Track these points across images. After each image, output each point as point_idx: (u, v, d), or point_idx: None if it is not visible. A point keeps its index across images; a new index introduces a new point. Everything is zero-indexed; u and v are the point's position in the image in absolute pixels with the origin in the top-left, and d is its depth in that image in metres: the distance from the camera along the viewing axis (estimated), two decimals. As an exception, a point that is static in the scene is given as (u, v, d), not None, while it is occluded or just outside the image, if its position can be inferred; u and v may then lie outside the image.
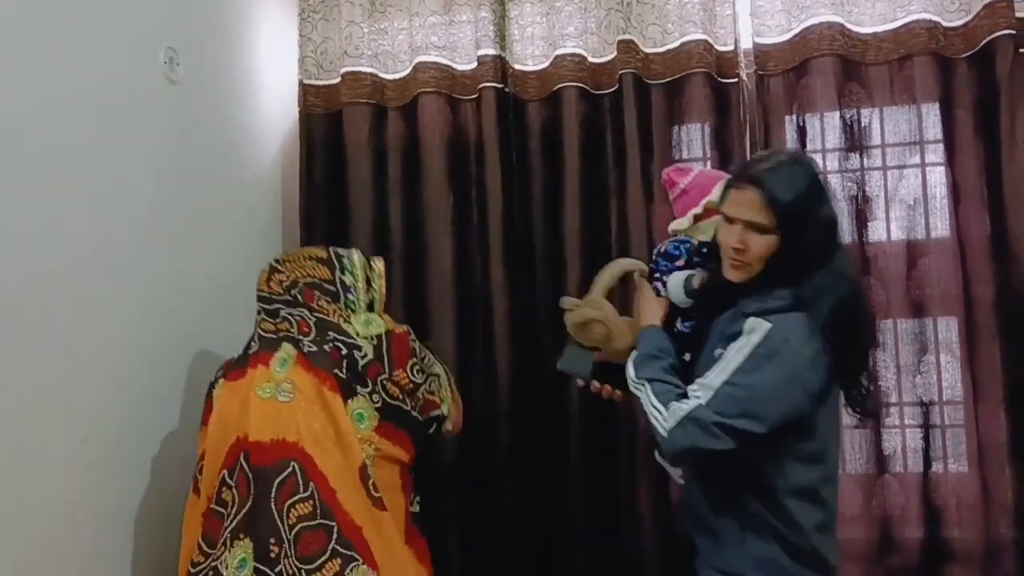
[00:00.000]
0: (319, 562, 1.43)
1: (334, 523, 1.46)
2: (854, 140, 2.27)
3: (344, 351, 1.65)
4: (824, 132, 2.32)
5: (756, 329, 1.43)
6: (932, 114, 2.23)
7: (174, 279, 1.82)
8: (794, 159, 1.53)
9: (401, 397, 1.66)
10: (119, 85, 1.68)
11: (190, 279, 1.88)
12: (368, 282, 1.81)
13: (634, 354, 1.58)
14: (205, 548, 1.53)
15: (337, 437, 1.55)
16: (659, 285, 1.71)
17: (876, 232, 2.25)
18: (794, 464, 1.46)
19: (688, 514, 1.64)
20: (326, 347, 1.64)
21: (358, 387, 1.61)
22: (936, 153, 2.24)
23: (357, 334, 1.68)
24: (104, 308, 1.58)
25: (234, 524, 1.48)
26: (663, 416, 1.45)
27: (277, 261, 1.80)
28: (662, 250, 1.75)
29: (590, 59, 2.41)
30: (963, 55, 2.19)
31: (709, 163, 2.37)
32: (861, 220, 2.25)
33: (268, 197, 2.38)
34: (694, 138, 2.42)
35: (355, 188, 2.48)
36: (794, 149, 1.55)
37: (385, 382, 1.64)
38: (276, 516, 1.46)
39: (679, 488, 2.18)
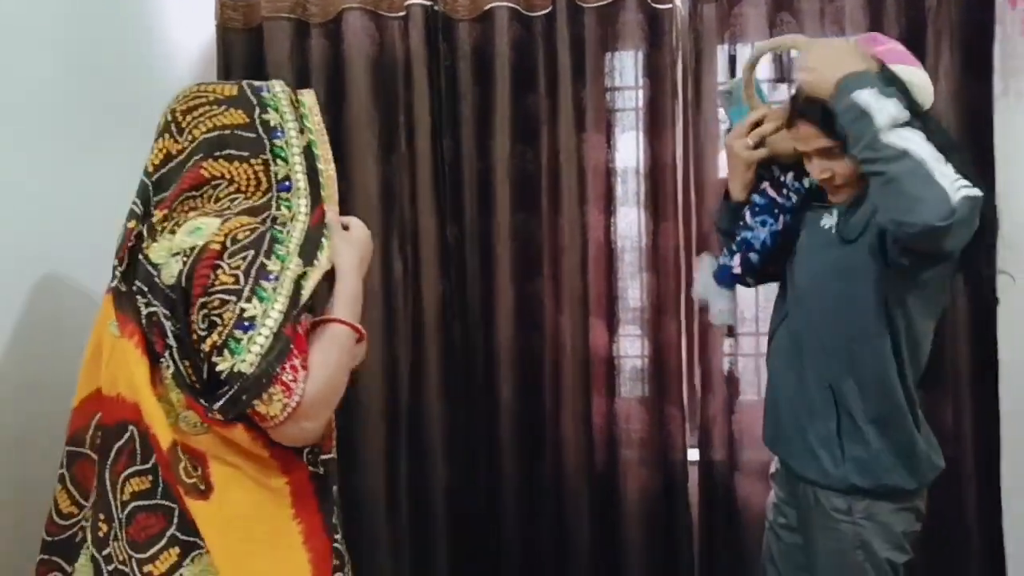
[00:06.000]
0: (153, 551, 1.14)
1: (175, 505, 1.15)
2: (783, 71, 2.27)
3: (145, 289, 1.16)
4: (755, 62, 2.32)
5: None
6: (860, 46, 2.23)
7: (75, 202, 1.72)
8: None
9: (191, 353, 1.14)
10: (10, -9, 1.55)
11: (92, 202, 1.78)
12: (300, 121, 1.29)
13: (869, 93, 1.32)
14: (78, 498, 1.27)
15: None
16: (726, 258, 1.71)
17: (801, 164, 2.27)
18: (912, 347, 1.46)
19: (776, 433, 1.62)
20: (133, 287, 1.18)
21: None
22: (862, 86, 2.26)
23: (171, 251, 1.15)
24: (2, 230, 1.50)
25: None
26: (949, 179, 1.26)
27: (172, 113, 1.27)
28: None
29: (523, -22, 2.34)
30: (892, -14, 2.19)
31: (641, 91, 2.36)
32: (787, 152, 2.28)
33: (183, 116, 2.27)
34: (627, 65, 2.40)
35: (277, 109, 2.37)
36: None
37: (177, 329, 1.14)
38: (109, 489, 1.19)
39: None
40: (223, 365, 1.10)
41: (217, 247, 1.13)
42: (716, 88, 2.29)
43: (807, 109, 1.47)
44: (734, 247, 1.67)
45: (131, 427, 1.18)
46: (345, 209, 2.42)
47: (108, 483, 1.19)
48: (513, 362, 2.36)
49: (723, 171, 2.30)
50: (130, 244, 1.21)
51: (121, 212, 1.86)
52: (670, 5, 2.30)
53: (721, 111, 2.30)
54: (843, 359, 1.48)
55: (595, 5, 2.31)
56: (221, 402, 1.10)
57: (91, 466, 1.25)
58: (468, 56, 2.36)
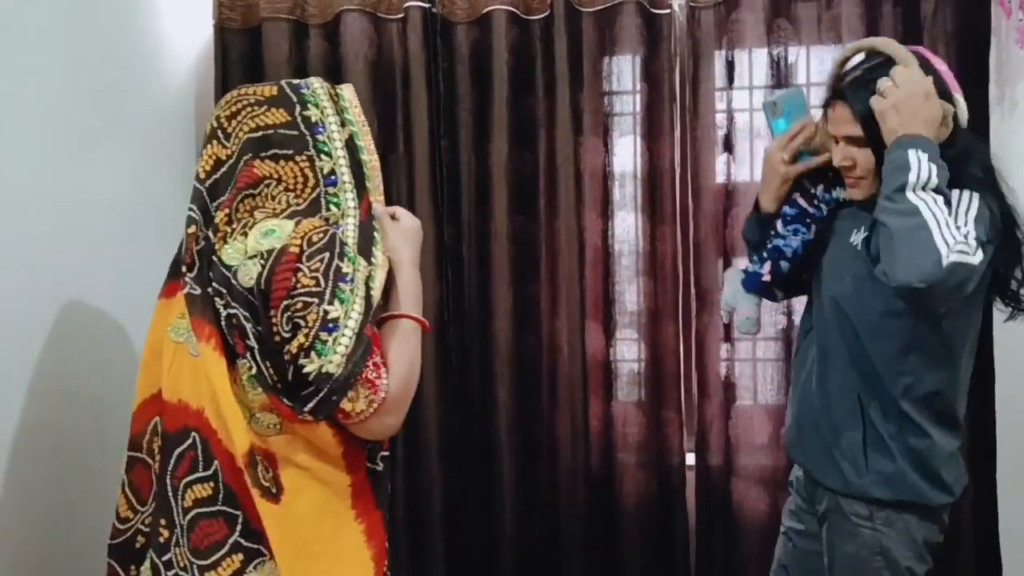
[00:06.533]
0: (214, 558, 1.16)
1: (239, 512, 1.17)
2: (780, 77, 2.29)
3: (223, 291, 1.17)
4: (752, 68, 2.33)
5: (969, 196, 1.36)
6: (857, 54, 2.24)
7: (74, 203, 1.71)
8: (884, 62, 1.44)
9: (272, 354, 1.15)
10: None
11: (91, 203, 1.77)
12: (341, 115, 1.31)
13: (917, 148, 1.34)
14: (134, 503, 1.29)
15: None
16: (756, 265, 1.65)
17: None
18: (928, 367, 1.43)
19: (799, 439, 1.60)
20: (209, 289, 1.20)
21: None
22: (858, 93, 2.27)
23: (245, 253, 1.17)
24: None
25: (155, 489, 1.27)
26: (951, 243, 1.28)
27: (217, 120, 1.27)
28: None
29: (521, -18, 2.34)
30: (889, -6, 2.21)
31: (639, 95, 2.36)
32: (783, 158, 2.29)
33: (180, 116, 2.25)
34: (624, 70, 2.41)
35: (274, 110, 2.37)
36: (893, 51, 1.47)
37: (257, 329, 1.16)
38: (171, 494, 1.20)
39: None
40: (311, 367, 1.12)
41: (296, 250, 1.15)
42: (714, 92, 2.31)
43: (849, 92, 1.45)
44: (765, 255, 1.64)
45: (193, 433, 1.20)
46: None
47: (169, 488, 1.21)
48: (510, 365, 2.36)
49: (720, 176, 2.32)
50: (197, 247, 1.23)
51: (120, 211, 1.87)
52: (668, 10, 2.31)
53: (720, 116, 2.31)
54: (871, 373, 1.46)
55: (593, 9, 2.32)
56: (312, 403, 1.13)
57: (146, 471, 1.27)
58: (466, 59, 2.36)
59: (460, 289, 2.39)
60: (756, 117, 2.33)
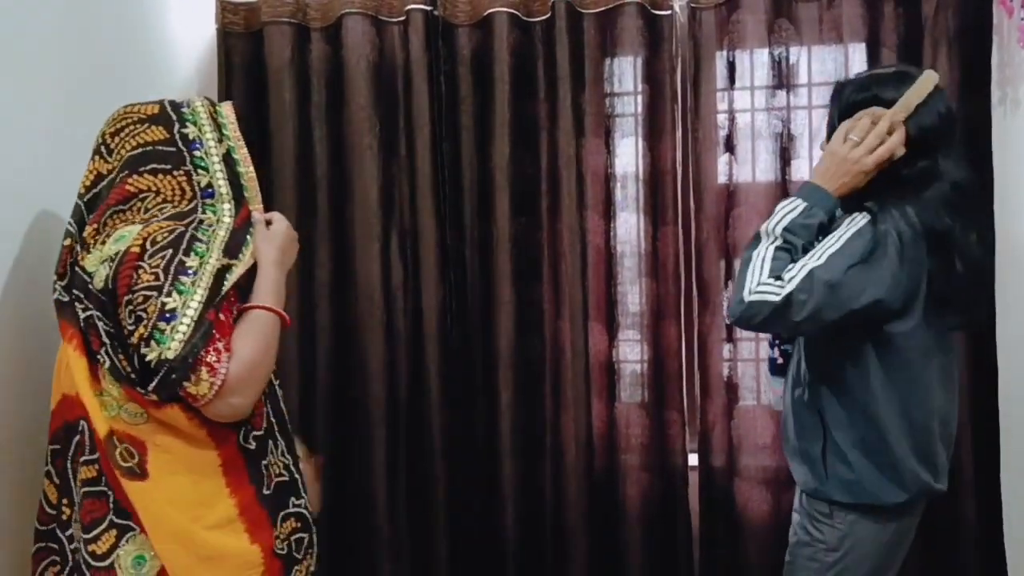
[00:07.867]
0: (95, 532, 1.28)
1: (111, 492, 1.28)
2: (782, 78, 2.29)
3: (82, 295, 1.28)
4: (753, 69, 2.33)
5: (855, 219, 1.43)
6: (858, 54, 2.25)
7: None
8: (886, 79, 1.53)
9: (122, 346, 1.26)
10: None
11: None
12: (219, 131, 1.41)
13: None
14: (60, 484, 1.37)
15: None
16: (771, 351, 1.72)
17: (800, 171, 2.29)
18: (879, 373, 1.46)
19: (786, 445, 1.67)
20: (73, 294, 1.30)
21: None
22: (860, 93, 2.27)
23: (101, 259, 1.27)
24: None
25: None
26: (754, 282, 1.40)
27: (103, 136, 1.39)
28: None
29: (522, -16, 2.35)
30: (891, -6, 2.21)
31: (640, 96, 2.37)
32: (785, 158, 2.30)
33: (183, 120, 2.26)
34: (625, 71, 2.41)
35: (277, 114, 2.38)
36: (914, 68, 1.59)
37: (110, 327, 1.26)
38: (71, 477, 1.32)
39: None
40: (151, 355, 1.21)
41: (137, 250, 1.25)
42: (715, 93, 2.31)
43: (836, 93, 1.57)
44: (771, 341, 1.72)
45: (82, 421, 1.31)
46: (345, 213, 2.45)
47: (70, 472, 1.33)
48: (513, 366, 2.36)
49: (722, 176, 2.32)
50: (69, 260, 1.34)
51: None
52: (669, 12, 2.32)
53: (721, 116, 2.31)
54: (827, 385, 1.52)
55: (594, 11, 2.33)
56: (154, 384, 1.22)
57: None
58: (468, 61, 2.37)
59: (463, 291, 2.40)
60: (757, 117, 2.33)
